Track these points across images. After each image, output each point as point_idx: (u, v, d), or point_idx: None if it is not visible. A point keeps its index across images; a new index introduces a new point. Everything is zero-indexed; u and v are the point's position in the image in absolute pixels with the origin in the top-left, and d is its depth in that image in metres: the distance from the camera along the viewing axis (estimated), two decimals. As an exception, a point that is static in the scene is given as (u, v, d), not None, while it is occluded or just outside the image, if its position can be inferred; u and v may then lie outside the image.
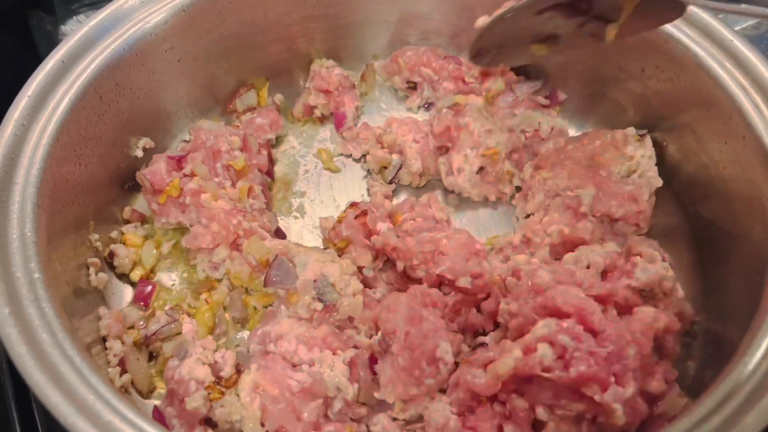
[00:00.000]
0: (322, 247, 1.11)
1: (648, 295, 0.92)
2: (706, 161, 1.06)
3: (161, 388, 0.97)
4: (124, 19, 1.06)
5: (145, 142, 1.15)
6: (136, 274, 1.08)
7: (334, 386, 0.89)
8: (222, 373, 0.90)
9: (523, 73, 1.32)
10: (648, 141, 1.13)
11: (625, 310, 0.89)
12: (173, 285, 1.09)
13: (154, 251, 1.11)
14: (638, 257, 0.95)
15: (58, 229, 0.91)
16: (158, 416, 0.87)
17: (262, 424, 0.84)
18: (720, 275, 1.02)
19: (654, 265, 0.92)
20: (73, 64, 1.00)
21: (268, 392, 0.86)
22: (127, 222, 1.13)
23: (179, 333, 1.00)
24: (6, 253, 0.80)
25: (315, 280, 0.93)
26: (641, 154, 1.12)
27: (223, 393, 0.87)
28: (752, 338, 0.80)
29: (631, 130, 1.15)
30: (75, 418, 0.69)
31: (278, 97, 1.31)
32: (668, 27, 1.07)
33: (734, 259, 1.00)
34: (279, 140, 1.28)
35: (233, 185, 1.10)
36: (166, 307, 1.05)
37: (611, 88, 1.22)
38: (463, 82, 1.29)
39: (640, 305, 0.89)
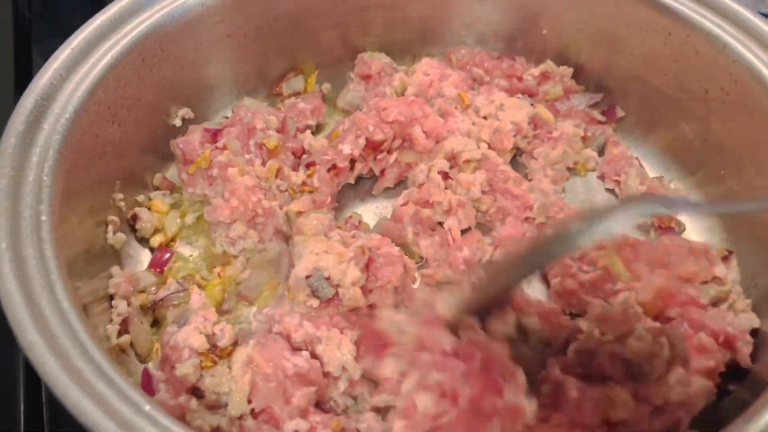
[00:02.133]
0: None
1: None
2: (760, 185, 0.97)
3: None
4: (177, -13, 1.07)
5: (185, 112, 1.15)
6: (156, 240, 1.07)
7: (340, 366, 0.85)
8: (218, 344, 0.88)
9: (584, 82, 1.26)
10: (734, 262, 0.99)
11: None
12: (191, 256, 1.08)
13: (178, 220, 1.10)
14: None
15: (79, 180, 0.91)
16: (146, 379, 0.86)
17: (250, 401, 0.81)
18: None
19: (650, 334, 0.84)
20: (121, 23, 1.01)
21: (261, 369, 0.83)
22: (157, 189, 1.13)
23: (187, 303, 0.99)
24: (19, 194, 0.80)
25: (308, 276, 0.90)
26: (732, 278, 0.96)
27: (215, 362, 0.85)
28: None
29: (714, 245, 1.01)
30: (53, 369, 0.67)
31: (326, 86, 1.30)
32: (737, 47, 0.99)
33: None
34: (319, 128, 1.26)
35: (263, 164, 1.08)
36: (179, 276, 1.03)
37: (671, 108, 1.14)
38: (518, 79, 1.24)
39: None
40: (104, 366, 0.69)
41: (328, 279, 0.90)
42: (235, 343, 0.91)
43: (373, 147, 1.13)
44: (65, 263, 0.80)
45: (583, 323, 0.91)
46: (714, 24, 1.03)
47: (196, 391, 0.83)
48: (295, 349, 0.89)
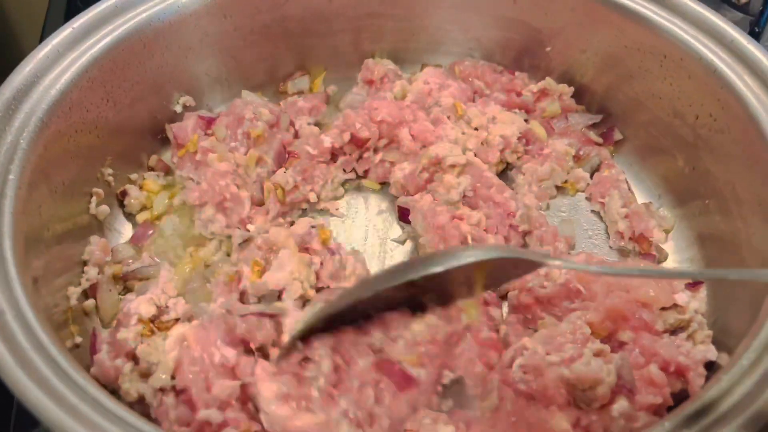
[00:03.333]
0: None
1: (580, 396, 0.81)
2: (739, 226, 0.93)
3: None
4: (185, -21, 1.13)
5: (186, 99, 1.21)
6: (142, 216, 1.13)
7: None
8: (164, 317, 0.91)
9: (586, 103, 1.24)
10: (703, 293, 0.96)
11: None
12: (171, 234, 1.12)
13: (166, 201, 1.15)
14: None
15: (62, 149, 0.97)
16: (93, 339, 0.90)
17: (173, 378, 0.83)
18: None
19: (597, 360, 0.81)
20: (126, 10, 1.07)
21: (191, 350, 0.84)
22: (152, 169, 1.18)
23: (156, 277, 1.03)
24: (-6, 152, 0.87)
25: None
26: (694, 308, 0.92)
27: (152, 333, 0.88)
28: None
29: (681, 275, 0.98)
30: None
31: (331, 88, 1.33)
32: (726, 72, 0.96)
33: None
34: (319, 127, 1.29)
35: (246, 153, 1.12)
36: (154, 252, 1.08)
37: (666, 134, 1.11)
38: (517, 94, 1.24)
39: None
40: (33, 326, 0.73)
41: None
42: (185, 319, 0.94)
43: (357, 143, 1.15)
44: (27, 224, 0.86)
45: (528, 341, 0.89)
46: (707, 48, 1.01)
47: (134, 358, 0.87)
48: (234, 343, 0.88)
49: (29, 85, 0.94)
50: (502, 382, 0.87)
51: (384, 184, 1.19)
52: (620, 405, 0.78)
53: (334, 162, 1.17)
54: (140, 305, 0.91)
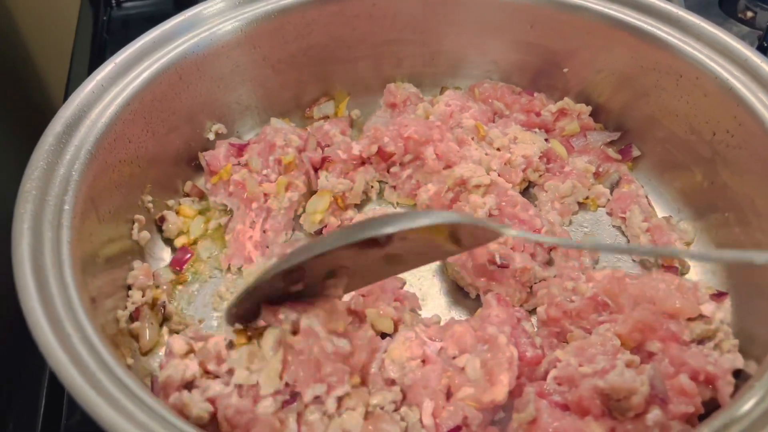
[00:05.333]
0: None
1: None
2: (760, 238, 0.97)
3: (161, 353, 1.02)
4: (216, 15, 1.18)
5: (219, 127, 1.26)
6: (180, 241, 1.17)
7: None
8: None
9: (603, 121, 1.29)
10: (727, 304, 0.98)
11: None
12: (209, 258, 1.17)
13: (202, 225, 1.20)
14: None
15: (108, 179, 1.02)
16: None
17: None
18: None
19: (630, 370, 0.84)
20: (163, 44, 1.13)
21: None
22: (187, 195, 1.23)
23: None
24: (48, 185, 0.91)
25: None
26: (720, 318, 0.93)
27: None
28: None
29: (705, 284, 1.02)
30: (48, 336, 0.75)
31: (355, 112, 1.38)
32: (741, 90, 1.00)
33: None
34: (346, 146, 1.33)
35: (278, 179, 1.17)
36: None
37: (683, 150, 1.15)
38: (536, 114, 1.29)
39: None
40: (100, 349, 0.77)
41: None
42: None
43: (384, 157, 1.20)
44: (81, 251, 0.90)
45: (560, 353, 0.93)
46: (721, 67, 1.05)
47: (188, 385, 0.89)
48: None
49: (78, 118, 0.99)
50: (537, 394, 0.90)
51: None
52: (654, 414, 0.81)
53: (363, 165, 1.24)
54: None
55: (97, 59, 1.57)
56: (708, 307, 0.94)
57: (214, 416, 0.82)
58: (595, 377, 0.87)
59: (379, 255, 0.83)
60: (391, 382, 0.92)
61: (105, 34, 1.68)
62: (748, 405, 0.71)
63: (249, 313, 0.87)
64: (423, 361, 0.94)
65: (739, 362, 0.89)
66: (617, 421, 0.83)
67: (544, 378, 0.94)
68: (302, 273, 0.82)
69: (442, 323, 1.02)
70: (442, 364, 0.92)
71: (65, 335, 0.75)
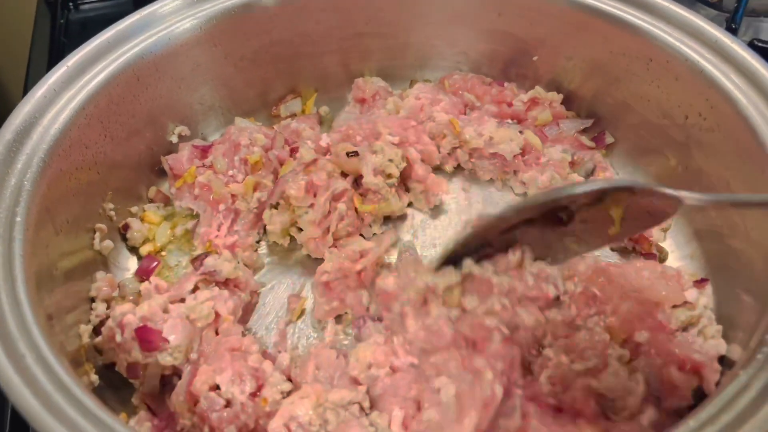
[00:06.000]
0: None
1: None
2: (736, 221, 0.95)
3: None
4: (174, 13, 1.14)
5: (182, 129, 1.21)
6: (145, 249, 1.13)
7: None
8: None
9: (575, 109, 1.27)
10: (709, 289, 0.98)
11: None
12: (176, 265, 1.13)
13: (168, 231, 1.16)
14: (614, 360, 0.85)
15: (64, 187, 0.97)
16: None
17: None
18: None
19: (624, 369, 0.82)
20: (118, 45, 1.08)
21: None
22: (151, 201, 1.19)
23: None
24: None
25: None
26: (703, 303, 0.94)
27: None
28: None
29: (690, 271, 1.01)
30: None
31: (323, 109, 1.34)
32: (713, 72, 0.99)
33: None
34: (313, 148, 1.30)
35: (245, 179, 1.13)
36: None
37: (656, 135, 1.14)
38: (508, 105, 1.26)
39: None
40: (55, 367, 0.73)
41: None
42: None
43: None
44: (36, 264, 0.86)
45: (550, 351, 0.90)
46: (692, 49, 1.03)
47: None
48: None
49: (29, 125, 0.95)
50: (526, 398, 0.87)
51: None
52: (649, 413, 0.79)
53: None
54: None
55: (55, 63, 1.51)
56: (691, 294, 0.92)
57: None
58: (588, 376, 0.84)
59: (559, 235, 0.85)
60: (355, 381, 0.90)
61: (63, 38, 1.62)
62: (733, 393, 0.69)
63: None
64: (392, 369, 0.91)
65: (722, 348, 0.88)
66: (611, 422, 0.81)
67: (537, 379, 0.91)
68: (491, 249, 0.88)
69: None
70: (414, 374, 0.89)
71: (18, 356, 0.70)
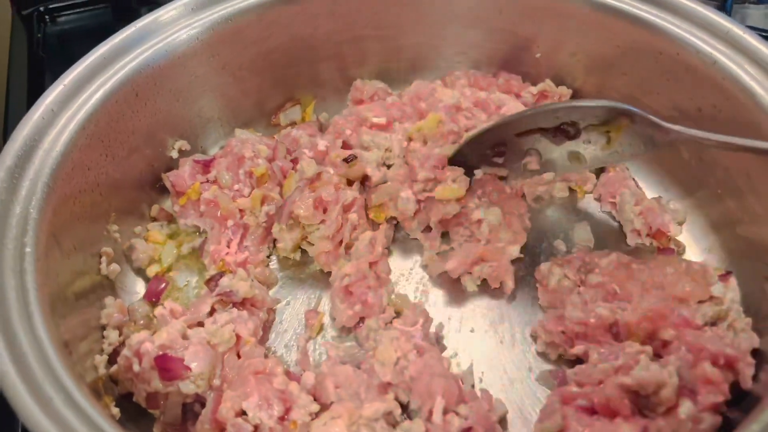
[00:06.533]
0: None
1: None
2: (759, 211, 0.95)
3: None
4: (171, 24, 1.10)
5: (182, 144, 1.17)
6: (152, 270, 1.09)
7: None
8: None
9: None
10: (734, 282, 0.95)
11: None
12: (185, 285, 1.09)
13: (174, 251, 1.12)
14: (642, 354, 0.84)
15: (69, 212, 0.93)
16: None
17: None
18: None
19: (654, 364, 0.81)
20: (114, 60, 1.04)
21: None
22: (154, 220, 1.14)
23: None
24: (4, 226, 0.82)
25: None
26: (731, 297, 0.92)
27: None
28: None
29: (711, 264, 1.00)
30: (24, 398, 0.67)
31: (323, 115, 1.31)
32: (727, 63, 0.98)
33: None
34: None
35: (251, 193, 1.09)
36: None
37: (667, 127, 1.12)
38: (516, 96, 1.24)
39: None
40: (77, 397, 0.69)
41: None
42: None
43: (348, 149, 1.15)
44: (48, 294, 0.81)
45: (571, 352, 0.89)
46: (702, 41, 1.02)
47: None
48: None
49: (29, 149, 0.90)
50: (561, 402, 0.86)
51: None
52: (686, 407, 0.78)
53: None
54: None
55: (36, 79, 1.46)
56: (717, 288, 0.91)
57: None
58: (619, 374, 0.83)
59: (566, 149, 1.05)
60: (385, 388, 0.88)
61: (41, 52, 1.56)
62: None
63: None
64: (418, 351, 0.91)
65: (755, 341, 0.87)
66: (648, 419, 0.79)
67: (564, 382, 0.90)
68: (504, 147, 1.07)
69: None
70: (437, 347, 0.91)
71: (47, 399, 0.66)
